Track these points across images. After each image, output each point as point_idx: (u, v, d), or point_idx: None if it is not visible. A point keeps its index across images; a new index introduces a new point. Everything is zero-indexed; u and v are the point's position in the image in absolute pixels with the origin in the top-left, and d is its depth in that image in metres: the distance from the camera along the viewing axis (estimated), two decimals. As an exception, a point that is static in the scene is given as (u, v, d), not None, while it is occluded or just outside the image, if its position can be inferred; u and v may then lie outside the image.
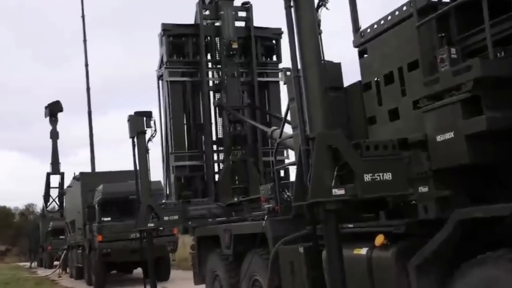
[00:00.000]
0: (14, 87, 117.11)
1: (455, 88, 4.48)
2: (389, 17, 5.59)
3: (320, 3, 5.42)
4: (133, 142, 12.79)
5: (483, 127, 4.19)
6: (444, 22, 4.95)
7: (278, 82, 13.51)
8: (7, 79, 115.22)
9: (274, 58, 14.00)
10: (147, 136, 12.82)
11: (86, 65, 38.79)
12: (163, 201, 12.92)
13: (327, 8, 5.45)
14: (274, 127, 11.33)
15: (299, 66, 5.30)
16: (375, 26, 5.82)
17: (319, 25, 5.42)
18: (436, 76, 4.70)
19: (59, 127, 41.96)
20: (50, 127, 41.81)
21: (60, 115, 41.66)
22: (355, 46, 6.19)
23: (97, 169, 35.74)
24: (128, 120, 12.85)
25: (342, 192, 4.85)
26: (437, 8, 4.95)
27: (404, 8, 5.34)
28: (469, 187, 4.69)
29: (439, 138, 4.59)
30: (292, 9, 5.33)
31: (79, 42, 39.26)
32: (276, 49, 13.91)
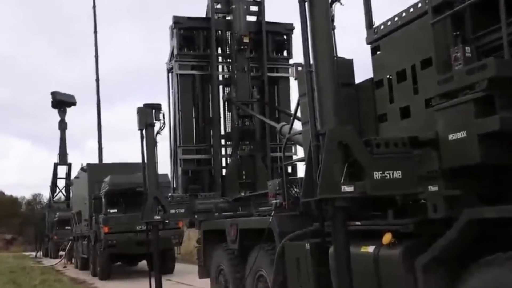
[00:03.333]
0: (28, 74, 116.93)
1: (469, 87, 4.45)
2: (404, 14, 5.54)
3: (335, -1, 5.38)
4: (142, 134, 12.80)
5: (496, 127, 4.15)
6: (459, 20, 4.90)
7: (288, 78, 13.46)
8: (22, 64, 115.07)
9: (285, 53, 13.94)
10: (156, 129, 12.83)
11: (96, 56, 38.92)
12: (170, 194, 12.93)
13: (341, 4, 5.42)
14: (283, 123, 11.31)
15: (311, 61, 5.28)
16: (389, 23, 5.77)
17: (332, 21, 5.38)
18: (450, 74, 4.66)
19: (68, 118, 42.14)
20: (58, 118, 42.01)
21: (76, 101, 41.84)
22: (368, 43, 6.15)
23: (105, 161, 35.88)
24: (137, 112, 12.86)
25: (351, 189, 4.83)
26: (452, 6, 4.89)
27: (419, 5, 5.29)
28: (479, 187, 4.65)
29: (451, 137, 4.55)
30: (306, 4, 5.31)
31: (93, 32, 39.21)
32: (286, 45, 13.86)
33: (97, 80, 39.06)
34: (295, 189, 7.84)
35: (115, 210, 19.75)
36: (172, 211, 11.88)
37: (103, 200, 19.88)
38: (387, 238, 5.19)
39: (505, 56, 4.23)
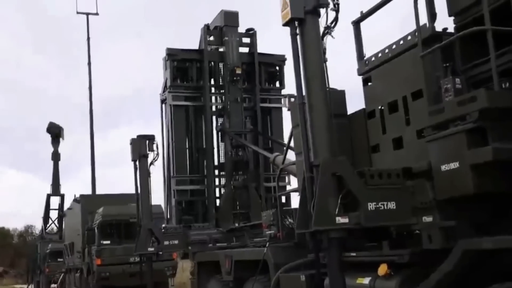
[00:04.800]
0: (23, 101, 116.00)
1: (460, 118, 4.49)
2: (394, 46, 5.63)
3: (326, 31, 5.45)
4: (135, 165, 12.80)
5: (489, 157, 4.18)
6: (449, 52, 4.98)
7: (281, 108, 13.57)
8: (19, 89, 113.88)
9: (277, 84, 14.08)
10: (149, 160, 12.83)
11: (90, 87, 38.87)
12: (164, 225, 12.85)
13: (332, 37, 5.48)
14: (276, 153, 11.34)
15: (304, 93, 5.33)
16: (380, 54, 5.86)
17: (324, 53, 5.45)
18: (441, 106, 4.71)
19: (63, 146, 41.90)
20: (51, 146, 41.81)
21: (64, 133, 41.61)
22: (360, 74, 6.22)
23: (98, 189, 35.58)
24: (131, 143, 12.88)
25: (345, 220, 4.84)
26: (441, 38, 4.98)
27: (409, 37, 5.37)
28: (474, 217, 4.66)
29: (444, 167, 4.57)
30: (298, 37, 5.39)
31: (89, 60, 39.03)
32: (279, 75, 14.01)
33: (91, 112, 38.94)
34: (289, 220, 7.80)
35: (108, 242, 19.50)
36: (166, 242, 11.79)
37: (96, 231, 19.68)
38: (382, 269, 5.16)
39: (495, 87, 4.29)
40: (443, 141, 4.62)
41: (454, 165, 4.48)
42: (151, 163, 12.89)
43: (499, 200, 4.57)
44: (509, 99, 4.26)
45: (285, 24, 5.42)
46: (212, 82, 13.58)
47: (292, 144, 7.67)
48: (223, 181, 13.26)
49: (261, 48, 13.83)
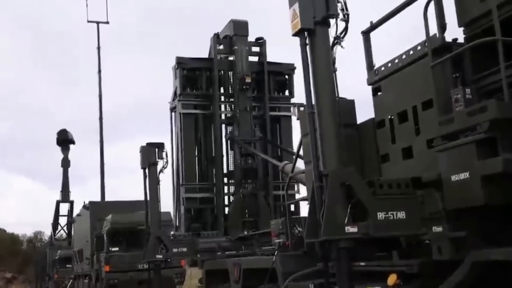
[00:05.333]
0: (32, 111, 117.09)
1: (470, 128, 4.49)
2: (404, 56, 5.63)
3: (335, 42, 5.47)
4: (144, 173, 12.85)
5: (499, 169, 4.17)
6: (459, 62, 4.98)
7: (290, 116, 13.60)
8: (26, 100, 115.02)
9: (287, 93, 14.14)
10: (159, 167, 12.88)
11: (100, 96, 39.11)
12: (172, 232, 12.88)
13: (342, 47, 5.51)
14: (285, 162, 11.36)
15: (313, 102, 5.36)
16: (389, 64, 5.87)
17: (334, 63, 5.48)
18: (451, 116, 4.70)
19: (71, 155, 42.19)
20: (59, 154, 42.08)
21: (75, 141, 41.85)
22: (369, 84, 6.23)
23: (107, 198, 35.73)
24: (140, 151, 12.93)
25: (355, 230, 4.84)
26: (451, 48, 4.99)
27: (419, 47, 5.38)
28: (483, 228, 4.64)
29: (453, 178, 4.57)
30: (308, 47, 5.42)
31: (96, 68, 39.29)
32: (288, 84, 14.07)
33: (101, 119, 39.15)
34: (298, 229, 7.80)
35: (117, 249, 19.56)
36: (175, 250, 11.83)
37: (105, 238, 19.74)
38: (392, 279, 5.14)
39: (505, 98, 4.29)
40: (453, 151, 4.61)
41: (464, 175, 4.47)
42: (160, 171, 12.93)
43: (509, 210, 4.56)
44: (520, 110, 4.26)
45: (295, 34, 5.45)
46: (222, 90, 13.67)
47: (301, 152, 7.68)
48: (232, 189, 13.31)
49: (271, 57, 13.91)
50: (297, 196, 11.92)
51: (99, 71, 39.48)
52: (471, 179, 4.40)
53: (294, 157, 8.77)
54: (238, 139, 13.03)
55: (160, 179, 12.96)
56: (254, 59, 13.93)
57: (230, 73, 13.50)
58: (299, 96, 13.38)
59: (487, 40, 4.46)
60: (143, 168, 12.88)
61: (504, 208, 4.54)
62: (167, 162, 12.87)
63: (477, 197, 4.38)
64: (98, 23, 38.32)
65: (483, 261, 4.27)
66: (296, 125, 10.04)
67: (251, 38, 13.84)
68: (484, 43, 4.50)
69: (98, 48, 39.81)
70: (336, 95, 5.47)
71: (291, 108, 13.09)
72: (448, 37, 5.15)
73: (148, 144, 13.14)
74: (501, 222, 4.67)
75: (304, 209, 9.28)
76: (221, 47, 13.63)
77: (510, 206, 4.49)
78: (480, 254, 4.30)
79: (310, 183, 6.16)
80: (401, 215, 4.90)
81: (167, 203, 14.09)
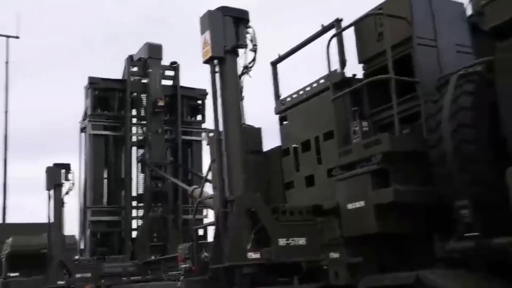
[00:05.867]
0: None
1: (366, 159, 4.74)
2: (308, 88, 5.89)
3: (244, 71, 5.65)
4: (49, 194, 12.40)
5: (390, 198, 4.43)
6: (358, 97, 5.28)
7: (201, 141, 13.66)
8: None
9: (199, 117, 14.21)
10: (65, 189, 12.48)
11: (6, 112, 37.23)
12: (77, 257, 12.46)
13: (250, 76, 5.68)
14: (195, 186, 11.34)
15: (221, 129, 5.46)
16: (295, 95, 6.11)
17: (242, 91, 5.63)
18: (349, 147, 4.96)
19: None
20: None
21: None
22: (276, 113, 6.44)
23: (12, 220, 33.80)
24: (46, 172, 12.48)
25: (257, 256, 4.95)
26: (351, 83, 5.29)
27: (322, 81, 5.66)
28: (378, 254, 4.88)
29: (350, 206, 4.79)
30: (217, 74, 5.54)
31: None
32: (201, 109, 14.15)
33: (6, 136, 37.22)
34: (205, 254, 7.80)
35: (17, 274, 18.56)
36: (78, 275, 11.41)
37: (3, 262, 18.68)
38: None
39: (396, 132, 4.59)
40: (350, 181, 4.85)
41: (359, 204, 4.70)
42: (66, 193, 12.52)
43: (402, 238, 4.83)
44: (409, 143, 4.57)
45: (205, 62, 5.56)
46: (134, 112, 13.50)
47: (210, 177, 7.73)
48: (141, 212, 13.09)
49: (191, 81, 14.00)
50: (206, 221, 11.93)
51: (7, 87, 37.69)
52: (366, 208, 4.64)
53: (203, 181, 8.81)
54: (149, 162, 12.89)
55: (66, 201, 12.57)
56: (169, 82, 13.91)
57: (144, 95, 13.39)
58: (211, 121, 13.47)
59: (381, 78, 4.77)
60: (48, 189, 12.43)
61: (397, 236, 4.81)
62: (73, 184, 12.52)
63: (371, 225, 4.61)
64: (8, 37, 36.77)
65: (376, 286, 4.49)
66: (207, 149, 10.10)
67: (166, 62, 13.83)
68: (379, 80, 4.81)
69: (7, 63, 38.08)
70: (243, 122, 5.61)
71: (203, 133, 13.19)
72: (350, 73, 5.46)
73: (54, 164, 12.71)
74: (394, 249, 4.93)
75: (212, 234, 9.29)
76: (135, 69, 13.52)
77: (403, 234, 4.77)
78: (373, 279, 4.52)
79: (217, 208, 6.22)
80: (302, 241, 5.09)
81: (72, 226, 13.61)
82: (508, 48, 3.47)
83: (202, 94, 13.92)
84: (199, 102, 14.12)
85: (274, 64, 6.47)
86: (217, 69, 5.53)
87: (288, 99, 6.23)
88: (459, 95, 4.00)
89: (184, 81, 13.94)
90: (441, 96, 4.19)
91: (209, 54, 5.45)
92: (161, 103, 12.96)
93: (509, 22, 3.40)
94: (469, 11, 5.17)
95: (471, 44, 5.00)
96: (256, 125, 6.80)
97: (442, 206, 4.26)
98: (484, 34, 4.07)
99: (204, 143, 12.78)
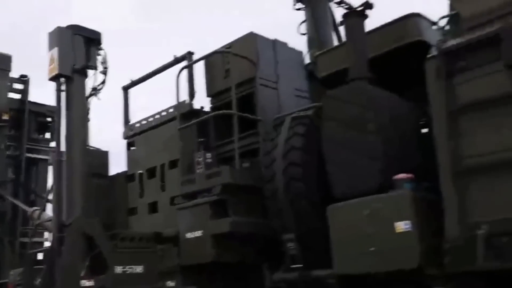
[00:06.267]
0: None
1: (207, 190, 4.87)
2: (157, 116, 5.93)
3: (92, 93, 5.56)
4: None
5: (227, 228, 4.59)
6: (205, 129, 5.43)
7: (47, 160, 12.98)
8: None
9: (48, 135, 13.50)
10: None
11: None
12: None
13: (98, 98, 5.61)
14: (36, 207, 10.71)
15: (63, 149, 5.30)
16: (144, 122, 6.11)
17: (88, 113, 5.53)
18: (192, 177, 5.06)
19: None
20: None
21: None
22: (124, 138, 6.38)
23: None
24: None
25: (91, 284, 4.81)
26: (199, 115, 5.43)
27: (170, 110, 5.73)
28: (212, 283, 4.99)
29: (189, 235, 4.87)
30: (63, 93, 5.39)
31: None
32: (50, 127, 13.46)
33: None
34: (39, 280, 7.40)
35: None
36: None
37: None
38: None
39: (236, 165, 4.78)
40: (191, 210, 4.94)
41: (198, 233, 4.80)
42: None
43: (236, 268, 4.99)
44: (247, 177, 4.78)
45: (51, 79, 5.39)
46: (-26, 125, 12.48)
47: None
48: (-27, 233, 12.02)
49: (37, 98, 13.21)
50: (47, 244, 11.28)
51: None
52: (204, 237, 4.75)
53: (44, 202, 8.41)
54: (-15, 179, 11.94)
55: None
56: (17, 96, 13.08)
57: (-14, 108, 12.43)
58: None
59: (225, 113, 4.98)
60: None
61: (232, 265, 4.96)
62: None
63: (207, 254, 4.72)
64: None
65: None
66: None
67: (15, 74, 13.02)
68: (224, 114, 5.01)
69: None
70: (88, 144, 5.50)
71: (50, 153, 12.56)
72: (199, 104, 5.61)
73: None
74: (229, 278, 5.08)
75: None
76: (-21, 78, 12.55)
77: (237, 264, 4.93)
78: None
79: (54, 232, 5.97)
80: (140, 269, 5.02)
81: None
82: (333, 96, 3.82)
83: (52, 111, 13.25)
84: (49, 119, 13.42)
85: (125, 89, 6.43)
86: (63, 87, 5.38)
87: (137, 125, 6.21)
88: (291, 136, 4.30)
89: (35, 97, 13.19)
90: (277, 135, 4.46)
91: (56, 71, 5.30)
92: (5, 117, 12.13)
93: (335, 74, 3.76)
94: (307, 60, 5.61)
95: (308, 90, 5.41)
96: (104, 149, 6.69)
97: (275, 238, 4.50)
98: (318, 82, 4.45)
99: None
